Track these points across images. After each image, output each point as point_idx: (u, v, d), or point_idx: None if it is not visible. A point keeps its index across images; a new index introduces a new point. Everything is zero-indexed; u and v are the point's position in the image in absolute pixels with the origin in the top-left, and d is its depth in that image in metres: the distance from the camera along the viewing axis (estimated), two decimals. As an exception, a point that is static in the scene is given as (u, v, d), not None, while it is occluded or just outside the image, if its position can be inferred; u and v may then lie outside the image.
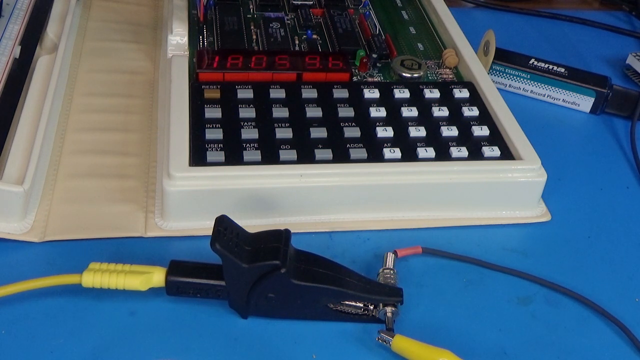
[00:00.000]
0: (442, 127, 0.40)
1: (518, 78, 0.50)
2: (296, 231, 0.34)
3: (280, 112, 0.39)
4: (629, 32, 0.61)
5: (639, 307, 0.35)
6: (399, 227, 0.38)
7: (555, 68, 0.50)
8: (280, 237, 0.31)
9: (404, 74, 0.44)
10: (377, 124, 0.40)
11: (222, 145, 0.37)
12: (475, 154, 0.39)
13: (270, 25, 0.47)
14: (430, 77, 0.45)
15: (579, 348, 0.33)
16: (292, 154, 0.37)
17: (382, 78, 0.44)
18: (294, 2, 0.49)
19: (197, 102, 0.39)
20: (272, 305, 0.32)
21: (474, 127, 0.40)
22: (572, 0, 0.67)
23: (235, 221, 0.32)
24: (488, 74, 0.46)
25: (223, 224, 0.31)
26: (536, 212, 0.40)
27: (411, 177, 0.37)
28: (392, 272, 0.34)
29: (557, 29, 0.61)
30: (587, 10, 0.65)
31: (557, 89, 0.50)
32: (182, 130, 0.37)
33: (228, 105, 0.39)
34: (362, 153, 0.38)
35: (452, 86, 0.43)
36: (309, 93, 0.41)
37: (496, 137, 0.40)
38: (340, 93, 0.41)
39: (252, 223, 0.35)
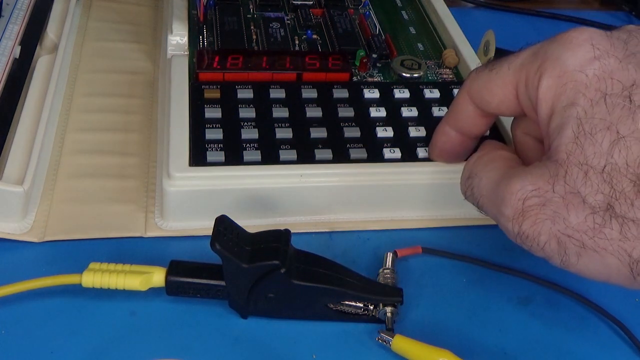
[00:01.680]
0: (442, 127, 0.40)
1: (518, 78, 0.50)
2: (296, 231, 0.34)
3: (280, 112, 0.39)
4: (629, 32, 0.61)
5: (639, 307, 0.35)
6: (399, 227, 0.38)
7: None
8: (280, 237, 0.31)
9: (404, 74, 0.44)
10: (377, 124, 0.40)
11: (222, 145, 0.37)
12: (475, 154, 0.39)
13: (270, 25, 0.47)
14: (430, 77, 0.45)
15: (579, 348, 0.33)
16: (292, 154, 0.37)
17: (382, 78, 0.44)
18: (294, 2, 0.49)
19: (197, 102, 0.39)
20: (272, 305, 0.32)
21: (474, 127, 0.40)
22: (572, 0, 0.67)
23: (235, 221, 0.32)
24: (488, 74, 0.46)
25: (223, 224, 0.31)
26: (536, 212, 0.40)
27: (411, 177, 0.37)
28: (392, 272, 0.34)
29: (557, 29, 0.60)
30: (587, 10, 0.65)
31: (557, 89, 0.50)
32: (182, 130, 0.37)
33: (228, 105, 0.39)
34: (362, 153, 0.38)
35: (452, 86, 0.43)
36: (309, 93, 0.41)
37: (496, 137, 0.40)
38: (340, 93, 0.41)
39: (252, 223, 0.35)
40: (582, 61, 0.27)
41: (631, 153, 0.25)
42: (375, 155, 0.38)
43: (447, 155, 0.36)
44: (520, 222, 0.27)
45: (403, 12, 0.52)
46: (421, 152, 0.38)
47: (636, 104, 0.25)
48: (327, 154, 0.37)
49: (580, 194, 0.25)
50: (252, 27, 0.47)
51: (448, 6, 0.51)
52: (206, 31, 0.46)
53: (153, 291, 0.33)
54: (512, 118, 0.34)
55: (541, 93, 0.28)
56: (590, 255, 0.26)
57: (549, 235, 0.26)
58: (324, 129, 0.39)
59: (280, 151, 0.37)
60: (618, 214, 0.25)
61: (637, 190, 0.24)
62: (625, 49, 0.27)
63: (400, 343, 0.31)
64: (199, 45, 0.45)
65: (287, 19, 0.48)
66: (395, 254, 0.35)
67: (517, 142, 0.33)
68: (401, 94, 0.42)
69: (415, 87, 0.43)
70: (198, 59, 0.42)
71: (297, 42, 0.46)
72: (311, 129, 0.39)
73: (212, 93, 0.40)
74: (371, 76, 0.44)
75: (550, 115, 0.27)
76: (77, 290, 0.32)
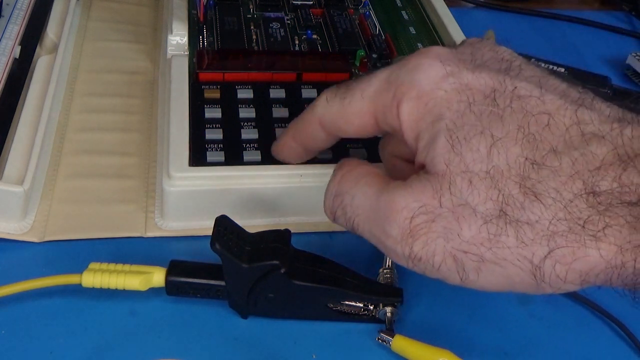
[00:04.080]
0: (442, 127, 0.40)
1: (518, 78, 0.50)
2: (296, 231, 0.34)
3: (280, 112, 0.39)
4: (629, 32, 0.61)
5: (639, 307, 0.35)
6: (399, 227, 0.38)
7: (555, 68, 0.50)
8: (280, 237, 0.31)
9: (404, 74, 0.44)
10: (377, 124, 0.40)
11: (222, 145, 0.37)
12: (475, 154, 0.39)
13: (270, 25, 0.47)
14: (430, 77, 0.45)
15: (579, 348, 0.33)
16: (292, 154, 0.37)
17: (382, 78, 0.44)
18: (294, 2, 0.49)
19: (197, 102, 0.39)
20: (272, 305, 0.32)
21: (474, 127, 0.40)
22: (572, 0, 0.67)
23: (235, 221, 0.32)
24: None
25: (223, 224, 0.31)
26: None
27: (411, 177, 0.37)
28: (392, 272, 0.34)
29: (557, 29, 0.61)
30: (587, 10, 0.65)
31: (557, 89, 0.50)
32: (182, 130, 0.37)
33: (228, 105, 0.39)
34: (362, 153, 0.38)
35: (452, 86, 0.43)
36: (309, 93, 0.41)
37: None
38: (340, 93, 0.41)
39: (252, 223, 0.35)
40: (436, 79, 0.26)
41: (511, 154, 0.24)
42: (375, 155, 0.38)
43: (290, 161, 0.35)
44: (411, 244, 0.25)
45: (403, 12, 0.52)
46: (421, 152, 0.38)
47: (501, 107, 0.25)
48: (327, 153, 0.37)
49: (469, 205, 0.24)
50: (252, 27, 0.47)
51: (448, 6, 0.51)
52: (206, 31, 0.46)
53: (153, 291, 0.33)
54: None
55: (403, 118, 0.27)
56: (490, 269, 0.24)
57: (443, 254, 0.25)
58: (324, 129, 0.39)
59: (280, 151, 0.37)
60: (511, 219, 0.24)
61: (524, 192, 0.24)
62: (473, 61, 0.27)
63: (400, 343, 0.31)
64: (199, 45, 0.45)
65: (287, 19, 0.48)
66: (395, 254, 0.35)
67: (386, 163, 0.33)
68: (401, 94, 0.42)
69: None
70: (198, 59, 0.42)
71: (297, 42, 0.46)
72: (311, 129, 0.39)
73: (212, 93, 0.40)
74: (371, 76, 0.44)
75: (417, 136, 0.27)
76: (77, 290, 0.32)
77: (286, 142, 0.34)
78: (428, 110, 0.26)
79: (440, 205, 0.25)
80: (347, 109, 0.29)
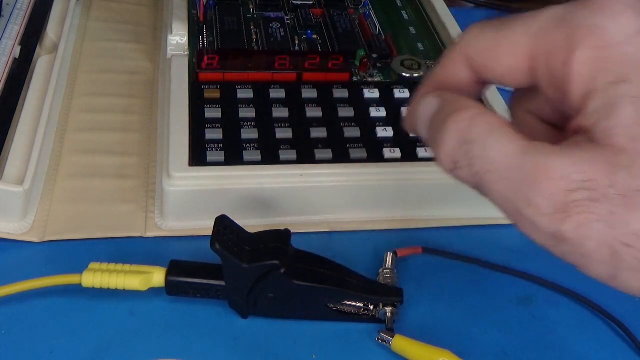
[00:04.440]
0: (442, 127, 0.40)
1: (518, 78, 0.50)
2: (296, 231, 0.34)
3: (280, 112, 0.39)
4: (629, 32, 0.61)
5: (639, 307, 0.35)
6: (399, 227, 0.38)
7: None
8: (280, 237, 0.31)
9: (404, 74, 0.44)
10: (377, 124, 0.40)
11: (222, 145, 0.37)
12: (475, 154, 0.39)
13: (270, 25, 0.47)
14: (430, 77, 0.45)
15: (579, 348, 0.33)
16: (292, 154, 0.37)
17: (382, 78, 0.44)
18: (294, 2, 0.49)
19: (197, 102, 0.39)
20: (272, 305, 0.32)
21: (474, 127, 0.40)
22: (571, 0, 0.67)
23: (235, 221, 0.32)
24: (488, 74, 0.46)
25: (223, 224, 0.31)
26: (536, 212, 0.40)
27: (411, 177, 0.37)
28: (392, 272, 0.34)
29: (557, 29, 0.60)
30: (587, 10, 0.64)
31: (557, 89, 0.49)
32: (182, 130, 0.37)
33: (228, 105, 0.39)
34: (362, 153, 0.38)
35: (452, 86, 0.43)
36: (309, 93, 0.41)
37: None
38: (340, 93, 0.41)
39: (252, 223, 0.35)
40: (627, 31, 0.22)
41: None
42: (375, 155, 0.38)
43: (426, 118, 0.28)
44: (561, 220, 0.21)
45: (403, 12, 0.52)
46: (421, 152, 0.38)
47: None
48: (327, 154, 0.37)
49: None
50: (252, 27, 0.47)
51: (448, 6, 0.51)
52: (206, 31, 0.46)
53: (153, 291, 0.33)
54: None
55: (576, 68, 0.22)
56: None
57: (599, 242, 0.21)
58: (324, 129, 0.39)
59: (280, 151, 0.37)
60: None
61: None
62: None
63: (400, 343, 0.31)
64: (199, 45, 0.45)
65: (287, 19, 0.48)
66: (395, 254, 0.35)
67: (517, 120, 0.28)
68: (401, 94, 0.42)
69: (415, 87, 0.42)
70: (198, 59, 0.42)
71: (297, 42, 0.46)
72: (311, 129, 0.39)
73: (212, 93, 0.40)
74: (371, 76, 0.44)
75: (587, 94, 0.22)
76: (77, 290, 0.32)
77: (423, 92, 0.28)
78: (610, 67, 0.22)
79: (611, 185, 0.21)
80: (501, 42, 0.24)
